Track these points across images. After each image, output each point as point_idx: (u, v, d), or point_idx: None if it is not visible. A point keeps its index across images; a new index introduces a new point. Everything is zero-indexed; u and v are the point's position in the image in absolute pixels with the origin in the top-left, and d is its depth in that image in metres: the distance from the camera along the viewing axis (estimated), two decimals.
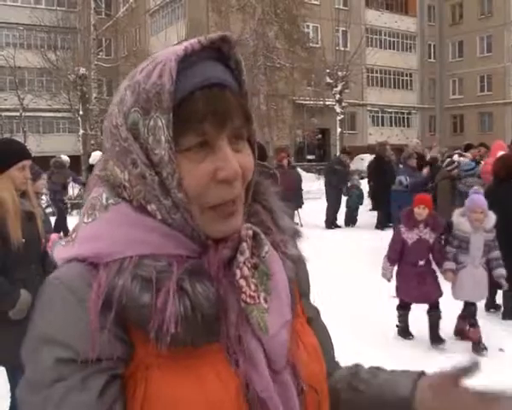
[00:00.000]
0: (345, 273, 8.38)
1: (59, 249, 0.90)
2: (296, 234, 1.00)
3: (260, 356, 0.84)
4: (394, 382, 1.00)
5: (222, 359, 0.83)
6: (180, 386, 0.79)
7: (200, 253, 0.86)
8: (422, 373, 0.98)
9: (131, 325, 0.80)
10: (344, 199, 13.61)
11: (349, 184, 13.72)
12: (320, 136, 28.31)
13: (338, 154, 22.23)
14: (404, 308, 5.69)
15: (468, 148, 11.88)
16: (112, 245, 0.83)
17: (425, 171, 10.50)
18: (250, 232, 0.89)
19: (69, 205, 15.07)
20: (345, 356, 1.20)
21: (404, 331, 5.72)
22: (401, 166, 10.65)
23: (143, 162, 0.83)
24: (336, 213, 13.58)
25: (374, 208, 13.51)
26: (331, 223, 13.38)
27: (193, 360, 0.81)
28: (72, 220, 12.15)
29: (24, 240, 3.22)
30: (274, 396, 0.84)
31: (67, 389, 0.76)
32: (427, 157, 11.30)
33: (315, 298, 1.11)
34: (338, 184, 13.50)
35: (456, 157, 9.73)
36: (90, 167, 9.51)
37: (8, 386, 3.50)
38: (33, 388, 0.78)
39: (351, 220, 13.56)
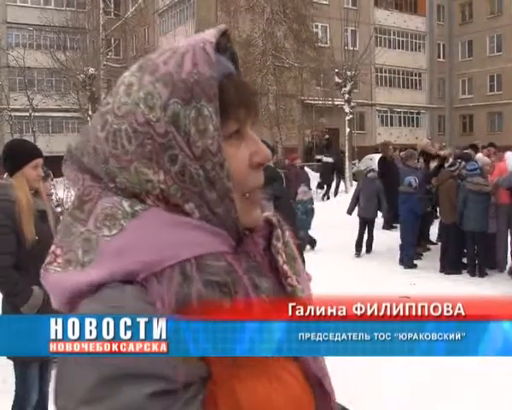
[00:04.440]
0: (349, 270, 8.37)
1: (67, 276, 0.78)
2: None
3: None
4: None
5: (283, 357, 0.80)
6: (266, 391, 0.77)
7: (234, 246, 0.83)
8: None
9: None
10: None
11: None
12: (327, 136, 28.30)
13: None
14: None
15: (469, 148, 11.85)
16: (161, 250, 0.76)
17: (432, 165, 10.51)
18: (276, 219, 0.90)
19: None
20: None
21: None
22: (403, 166, 10.61)
23: (188, 156, 0.79)
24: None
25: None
26: None
27: (265, 362, 0.77)
28: None
29: (37, 237, 3.29)
30: (327, 374, 0.87)
31: None
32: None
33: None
34: (280, 195, 10.55)
35: (479, 155, 9.80)
36: None
37: (11, 380, 3.55)
38: None
39: (305, 244, 10.16)
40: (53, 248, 0.82)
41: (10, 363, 3.50)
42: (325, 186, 19.59)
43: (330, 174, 19.93)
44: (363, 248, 10.57)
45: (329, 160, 20.15)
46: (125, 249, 0.76)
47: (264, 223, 0.89)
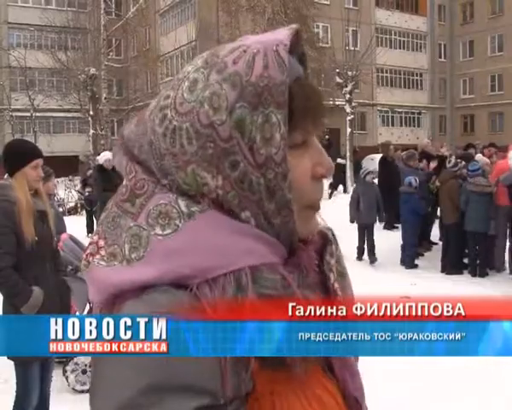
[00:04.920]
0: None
1: (112, 272, 0.75)
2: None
3: (357, 369, 0.84)
4: None
5: (321, 375, 0.80)
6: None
7: (286, 257, 0.79)
8: None
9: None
10: None
11: None
12: (327, 136, 28.31)
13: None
14: None
15: (468, 147, 11.89)
16: (216, 256, 0.73)
17: (432, 165, 10.51)
18: (331, 233, 0.88)
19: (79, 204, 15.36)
20: None
21: None
22: (404, 166, 10.61)
23: (250, 164, 0.75)
24: None
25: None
26: None
27: (304, 381, 0.76)
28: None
29: (37, 238, 3.29)
30: (364, 394, 0.85)
31: None
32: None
33: None
34: None
35: (479, 155, 9.82)
36: (99, 167, 9.53)
37: (12, 381, 3.57)
38: None
39: None
40: (95, 238, 0.79)
41: (12, 363, 3.51)
42: (341, 186, 20.20)
43: (343, 175, 20.41)
44: (365, 256, 10.23)
45: (343, 161, 20.71)
46: (177, 251, 0.73)
47: (318, 236, 0.86)
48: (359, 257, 10.23)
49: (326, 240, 0.87)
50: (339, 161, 20.59)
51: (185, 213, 0.74)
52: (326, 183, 18.65)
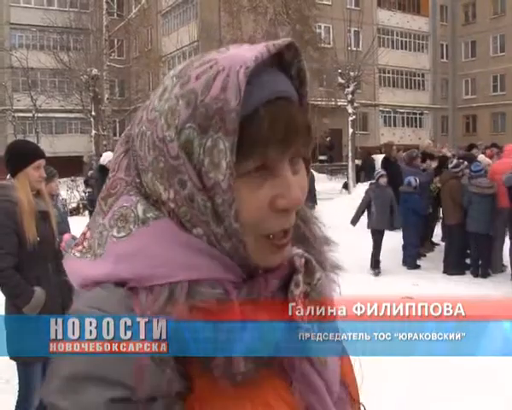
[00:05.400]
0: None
1: (77, 264, 0.79)
2: (327, 242, 0.93)
3: (319, 382, 0.79)
4: None
5: (280, 384, 0.77)
6: None
7: (244, 279, 0.78)
8: None
9: (189, 357, 0.71)
10: None
11: None
12: (329, 137, 28.31)
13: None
14: None
15: (470, 148, 11.89)
16: (157, 266, 0.73)
17: (433, 165, 10.49)
18: (303, 261, 0.83)
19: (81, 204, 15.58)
20: None
21: None
22: (405, 166, 10.56)
23: (196, 186, 0.73)
24: None
25: None
26: None
27: (254, 388, 0.74)
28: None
29: (39, 239, 3.30)
30: None
31: None
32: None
33: None
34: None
35: (481, 156, 9.80)
36: (101, 168, 9.53)
37: (14, 381, 3.57)
38: None
39: None
40: (85, 229, 0.83)
41: (14, 364, 3.51)
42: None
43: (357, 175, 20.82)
44: (368, 263, 9.35)
45: (356, 162, 21.20)
46: (124, 255, 0.75)
47: (288, 263, 0.82)
48: (375, 266, 9.27)
49: (293, 269, 0.82)
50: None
51: (140, 219, 0.76)
52: (340, 182, 18.86)
